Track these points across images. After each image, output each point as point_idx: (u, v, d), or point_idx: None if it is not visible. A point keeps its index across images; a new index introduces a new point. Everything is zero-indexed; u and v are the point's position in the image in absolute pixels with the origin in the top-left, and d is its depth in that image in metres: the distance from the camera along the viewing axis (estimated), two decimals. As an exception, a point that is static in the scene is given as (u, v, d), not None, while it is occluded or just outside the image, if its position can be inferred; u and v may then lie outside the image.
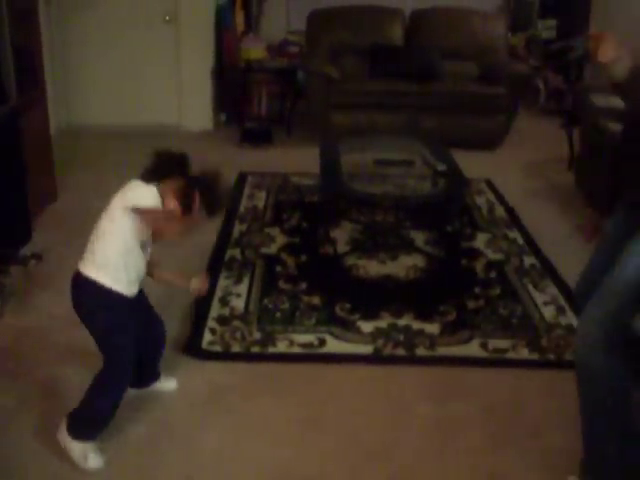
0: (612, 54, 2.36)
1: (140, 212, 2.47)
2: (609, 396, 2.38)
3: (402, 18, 7.26)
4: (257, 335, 3.54)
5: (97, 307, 2.60)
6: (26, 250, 4.21)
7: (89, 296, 2.59)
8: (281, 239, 4.61)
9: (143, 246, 2.60)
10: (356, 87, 6.65)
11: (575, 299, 3.06)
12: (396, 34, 7.19)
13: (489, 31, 7.17)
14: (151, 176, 2.56)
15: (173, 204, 2.51)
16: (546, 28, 8.49)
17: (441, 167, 4.52)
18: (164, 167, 2.58)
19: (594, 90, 6.58)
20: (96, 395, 2.65)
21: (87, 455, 2.64)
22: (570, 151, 6.16)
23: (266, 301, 3.86)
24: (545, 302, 3.95)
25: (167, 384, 3.11)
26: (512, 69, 6.83)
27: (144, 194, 2.51)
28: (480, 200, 5.44)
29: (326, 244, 4.54)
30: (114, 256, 2.53)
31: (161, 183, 2.54)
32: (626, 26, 7.46)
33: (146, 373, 3.02)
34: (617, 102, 5.41)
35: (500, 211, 5.24)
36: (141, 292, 2.78)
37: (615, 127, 5.10)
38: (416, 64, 6.85)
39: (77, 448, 2.65)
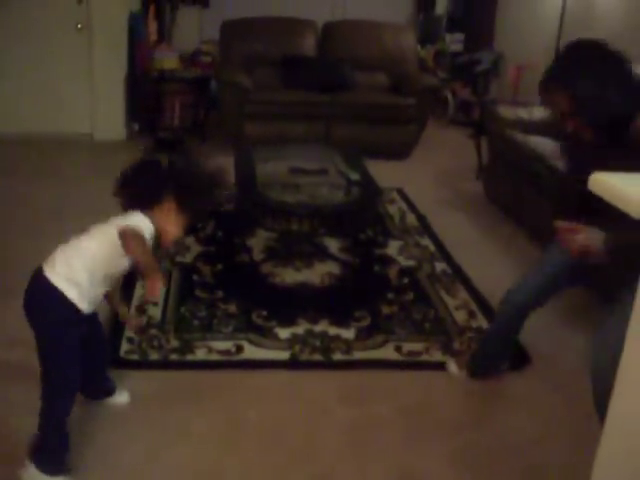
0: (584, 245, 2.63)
1: (130, 237, 2.43)
2: None
3: (314, 29, 7.36)
4: (175, 343, 3.54)
5: (56, 317, 2.52)
6: None
7: (52, 304, 2.51)
8: (196, 248, 4.61)
9: (112, 276, 2.59)
10: (269, 97, 6.71)
11: (503, 305, 3.21)
12: (309, 45, 7.29)
13: (399, 43, 7.34)
14: (143, 204, 2.55)
15: (175, 231, 2.62)
16: (453, 42, 8.73)
17: (354, 176, 4.60)
18: (153, 191, 2.57)
19: (500, 102, 6.82)
20: (46, 415, 2.57)
21: None
22: (478, 160, 6.35)
23: (183, 309, 3.86)
24: (457, 306, 4.07)
25: (120, 398, 3.05)
26: (422, 81, 6.99)
27: (140, 224, 2.50)
28: (392, 209, 5.56)
29: (242, 252, 4.57)
30: (87, 275, 2.47)
31: (155, 210, 2.56)
32: (528, 40, 7.74)
33: (94, 385, 2.95)
34: (522, 113, 5.64)
35: (412, 219, 5.37)
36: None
37: (520, 137, 5.31)
38: (328, 75, 6.95)
39: None
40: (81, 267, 2.47)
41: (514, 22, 8.21)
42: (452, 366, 3.46)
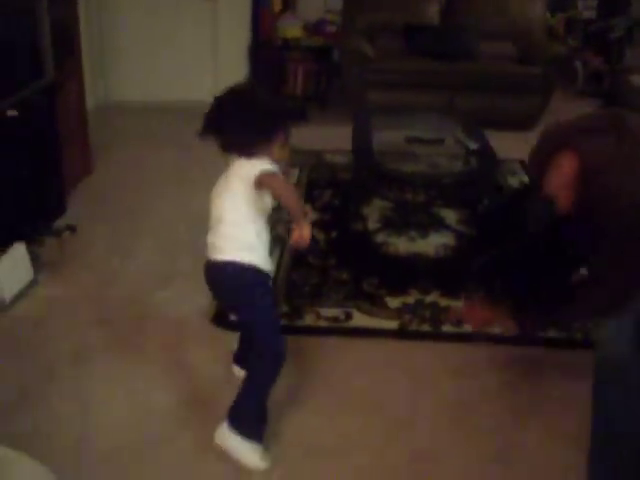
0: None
1: (268, 181, 2.44)
2: None
3: (439, -3, 7.22)
4: (285, 308, 3.57)
5: (255, 288, 2.56)
6: (60, 222, 4.27)
7: (245, 280, 2.54)
8: (312, 216, 4.62)
9: (269, 218, 2.61)
10: (391, 66, 6.62)
11: None
12: (432, 13, 7.13)
13: (527, 11, 7.09)
14: (248, 149, 2.51)
15: (286, 155, 2.61)
16: (586, 8, 8.37)
17: (472, 146, 4.49)
18: (255, 133, 2.50)
19: (634, 71, 6.51)
20: (258, 386, 2.61)
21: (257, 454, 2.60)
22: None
23: (294, 276, 3.88)
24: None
25: None
26: (549, 50, 6.74)
27: (259, 167, 2.46)
28: (512, 180, 5.41)
29: (357, 221, 4.55)
30: (255, 240, 2.52)
31: (270, 146, 2.54)
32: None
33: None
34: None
35: (533, 191, 5.21)
36: None
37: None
38: (452, 43, 6.79)
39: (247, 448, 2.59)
40: (243, 233, 2.51)
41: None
42: None
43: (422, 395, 3.00)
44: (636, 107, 5.25)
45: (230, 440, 2.58)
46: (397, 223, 4.51)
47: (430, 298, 3.71)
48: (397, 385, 3.06)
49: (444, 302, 3.67)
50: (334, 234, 4.39)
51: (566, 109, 7.34)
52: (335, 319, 3.50)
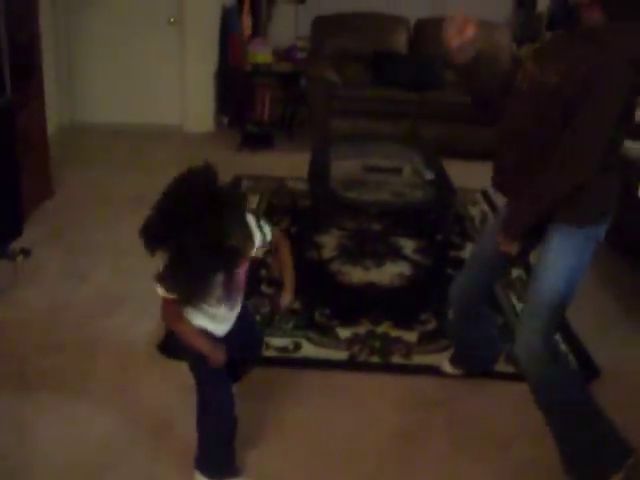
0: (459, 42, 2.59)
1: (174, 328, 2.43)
2: (565, 392, 2.63)
3: (407, 26, 7.28)
4: (234, 337, 3.55)
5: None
6: (16, 245, 4.24)
7: None
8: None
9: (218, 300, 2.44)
10: (356, 93, 6.66)
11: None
12: (400, 42, 7.20)
13: (493, 41, 7.16)
14: None
15: None
16: (553, 40, 8.46)
17: (429, 176, 4.52)
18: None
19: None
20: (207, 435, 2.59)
21: None
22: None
23: (247, 304, 3.86)
24: (527, 314, 3.94)
25: None
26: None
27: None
28: (474, 211, 5.44)
29: (312, 249, 4.55)
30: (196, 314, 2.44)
31: None
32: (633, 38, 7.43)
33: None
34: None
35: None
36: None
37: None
38: (418, 72, 6.85)
39: None
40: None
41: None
42: (446, 365, 3.41)
43: (367, 428, 2.99)
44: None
45: None
46: (353, 252, 4.52)
47: (381, 329, 3.71)
48: (343, 417, 3.05)
49: (395, 333, 3.67)
50: (290, 262, 4.37)
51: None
52: (284, 349, 3.49)
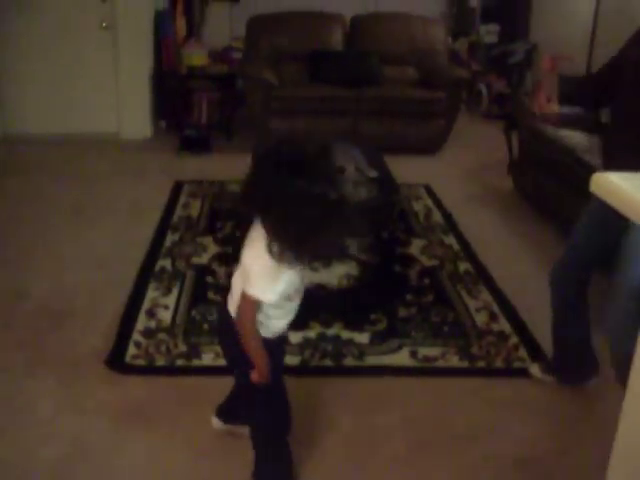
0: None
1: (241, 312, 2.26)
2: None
3: (343, 23, 7.24)
4: (183, 348, 3.46)
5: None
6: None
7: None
8: (213, 249, 4.53)
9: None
10: (294, 93, 6.60)
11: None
12: (336, 39, 7.17)
13: (429, 36, 7.18)
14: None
15: None
16: (488, 33, 8.53)
17: (372, 174, 4.48)
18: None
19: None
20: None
21: None
22: (509, 155, 6.17)
23: (194, 313, 3.78)
24: (478, 308, 3.94)
25: None
26: (452, 74, 6.82)
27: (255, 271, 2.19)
28: (418, 206, 5.42)
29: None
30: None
31: None
32: (564, 30, 7.52)
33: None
34: (554, 107, 5.45)
35: (437, 216, 5.22)
36: None
37: (551, 131, 5.13)
38: (355, 69, 6.83)
39: None
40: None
41: (550, 12, 7.99)
42: (535, 369, 3.35)
43: (321, 432, 2.93)
44: (536, 130, 5.31)
45: None
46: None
47: (332, 331, 3.66)
48: (297, 423, 2.98)
49: (346, 335, 3.62)
50: (235, 267, 4.29)
51: (471, 131, 7.46)
52: (234, 357, 3.41)
